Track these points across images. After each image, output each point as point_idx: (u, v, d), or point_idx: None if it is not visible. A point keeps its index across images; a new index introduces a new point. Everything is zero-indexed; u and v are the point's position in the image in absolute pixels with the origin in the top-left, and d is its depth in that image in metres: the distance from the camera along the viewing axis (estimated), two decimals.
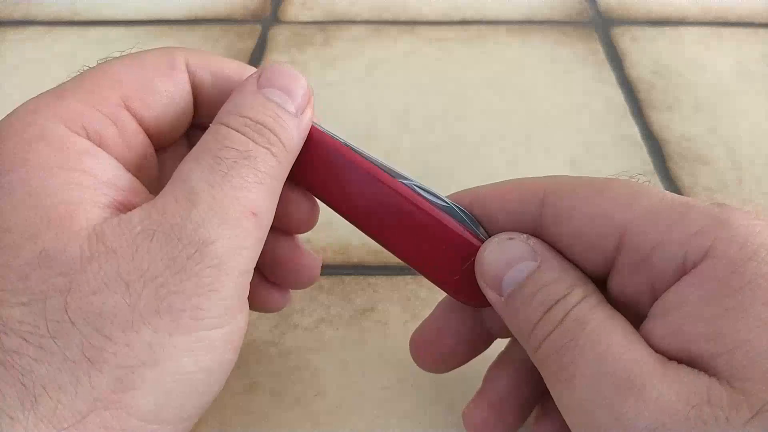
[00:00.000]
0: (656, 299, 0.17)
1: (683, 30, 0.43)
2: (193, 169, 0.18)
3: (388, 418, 0.23)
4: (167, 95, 0.20)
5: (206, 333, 0.17)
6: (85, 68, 0.20)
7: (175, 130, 0.21)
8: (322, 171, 0.20)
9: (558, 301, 0.18)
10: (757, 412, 0.15)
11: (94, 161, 0.18)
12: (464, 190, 0.21)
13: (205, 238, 0.17)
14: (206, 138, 0.19)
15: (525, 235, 0.19)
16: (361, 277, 0.28)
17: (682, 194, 0.32)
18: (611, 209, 0.18)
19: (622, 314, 0.19)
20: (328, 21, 0.45)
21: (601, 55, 0.41)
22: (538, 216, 0.19)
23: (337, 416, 0.24)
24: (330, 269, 0.29)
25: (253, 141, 0.19)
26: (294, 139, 0.19)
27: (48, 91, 0.19)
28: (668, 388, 0.15)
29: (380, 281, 0.28)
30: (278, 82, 0.20)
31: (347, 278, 0.28)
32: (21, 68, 0.41)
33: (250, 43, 0.43)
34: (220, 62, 0.21)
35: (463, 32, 0.43)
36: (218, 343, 0.17)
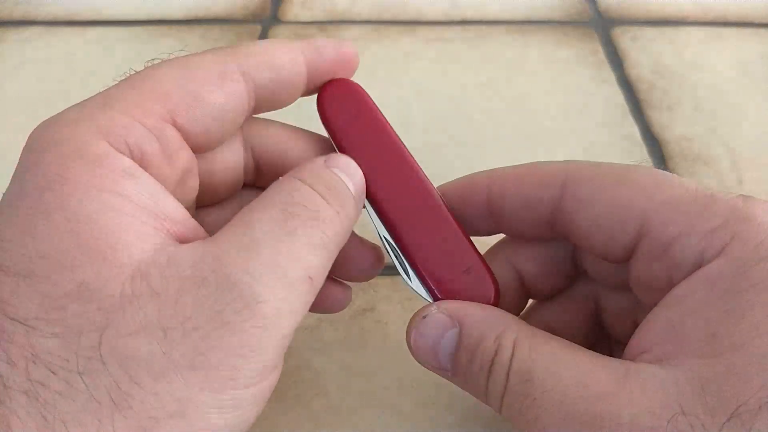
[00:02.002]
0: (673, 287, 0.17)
1: (683, 30, 0.43)
2: (261, 219, 0.17)
3: (388, 418, 0.23)
4: (216, 108, 0.19)
5: (238, 392, 0.16)
6: (132, 72, 0.19)
7: (222, 139, 0.20)
8: (364, 138, 0.21)
9: (493, 360, 0.17)
10: (731, 415, 0.14)
11: (134, 184, 0.17)
12: (480, 172, 0.21)
13: (258, 295, 0.16)
14: (278, 189, 0.18)
15: (434, 306, 0.19)
16: None
17: None
18: (634, 197, 0.18)
19: (642, 296, 0.18)
20: (328, 21, 0.45)
21: (601, 55, 0.41)
22: (557, 201, 0.19)
23: (338, 416, 0.24)
24: None
25: (326, 202, 0.18)
26: (353, 218, 0.19)
27: (92, 98, 0.18)
28: (638, 407, 0.15)
29: (380, 281, 0.28)
30: (344, 167, 0.19)
31: None
32: (21, 68, 0.41)
33: None
34: (273, 55, 0.20)
35: (463, 32, 0.43)
36: (248, 401, 0.16)
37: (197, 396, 0.15)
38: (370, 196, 0.20)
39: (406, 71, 0.40)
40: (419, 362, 0.20)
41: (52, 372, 0.15)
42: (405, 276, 0.20)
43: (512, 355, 0.17)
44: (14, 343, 0.15)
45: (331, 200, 0.18)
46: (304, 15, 0.45)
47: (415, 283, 0.20)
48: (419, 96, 0.39)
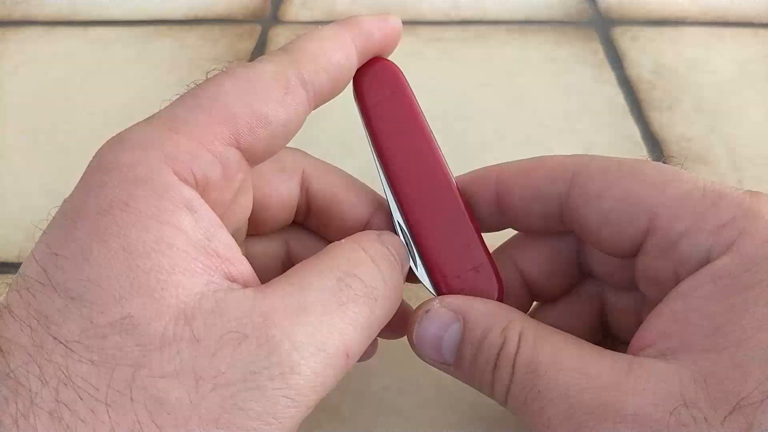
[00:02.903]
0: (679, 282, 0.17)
1: (683, 30, 0.43)
2: (315, 283, 0.17)
3: (387, 418, 0.23)
4: (279, 124, 0.18)
5: None
6: (193, 86, 0.19)
7: (280, 149, 0.20)
8: (395, 120, 0.21)
9: (499, 354, 0.18)
10: (733, 408, 0.14)
11: (191, 219, 0.16)
12: (489, 166, 0.21)
13: (295, 365, 0.16)
14: (338, 253, 0.18)
15: (437, 300, 0.19)
16: None
17: None
18: (642, 193, 0.18)
19: (648, 291, 0.18)
20: (328, 21, 0.44)
21: (601, 55, 0.41)
22: (565, 195, 0.19)
23: (338, 416, 0.24)
24: None
25: (383, 278, 0.18)
26: (400, 298, 0.19)
27: (158, 117, 0.18)
28: (642, 399, 0.15)
29: None
30: (394, 245, 0.20)
31: None
32: (21, 68, 0.41)
33: (250, 44, 0.43)
34: (329, 55, 0.20)
35: (463, 32, 0.43)
36: None
37: None
38: (391, 180, 0.20)
39: (406, 71, 0.40)
40: (420, 356, 0.20)
41: (80, 398, 0.15)
42: (413, 264, 0.20)
43: (518, 347, 0.17)
44: (50, 362, 0.15)
45: (387, 278, 0.18)
46: (304, 15, 0.45)
47: (422, 273, 0.20)
48: (419, 96, 0.38)
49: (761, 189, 0.32)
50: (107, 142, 0.18)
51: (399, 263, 0.19)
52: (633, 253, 0.19)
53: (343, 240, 0.19)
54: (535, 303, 0.23)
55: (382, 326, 0.18)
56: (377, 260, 0.18)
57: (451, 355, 0.19)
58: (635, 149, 0.35)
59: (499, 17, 0.45)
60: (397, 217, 0.20)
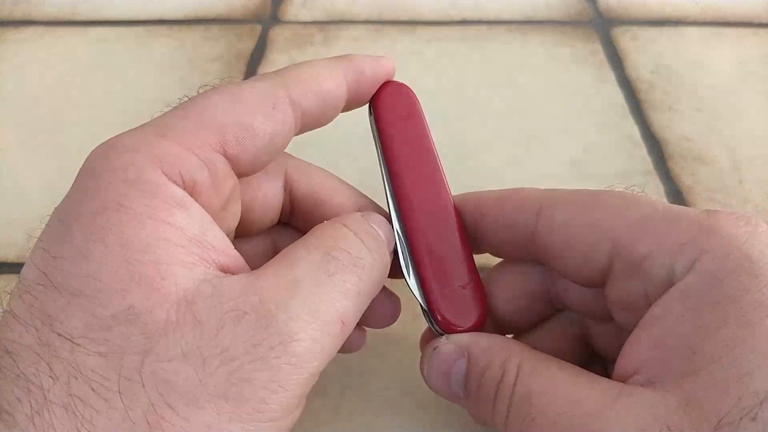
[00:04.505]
0: (650, 306, 0.18)
1: (683, 30, 0.43)
2: (303, 259, 0.18)
3: (388, 418, 0.23)
4: (266, 137, 0.19)
5: (263, 425, 0.16)
6: (185, 99, 0.19)
7: (267, 163, 0.21)
8: (406, 140, 0.22)
9: (498, 386, 0.18)
10: (714, 429, 0.15)
11: (185, 215, 0.17)
12: (469, 193, 0.22)
13: (293, 333, 0.16)
14: (322, 232, 0.19)
15: (444, 338, 0.20)
16: None
17: (681, 194, 0.32)
18: (602, 220, 0.19)
19: (622, 318, 0.19)
20: (328, 21, 0.45)
21: (601, 55, 0.41)
22: (533, 226, 0.20)
23: (338, 416, 0.24)
24: None
25: (367, 248, 0.19)
26: (387, 267, 0.20)
27: (148, 124, 0.19)
28: (628, 425, 0.16)
29: None
30: (378, 222, 0.21)
31: None
32: (21, 68, 0.41)
33: (250, 43, 0.43)
34: (319, 81, 0.21)
35: (463, 32, 0.43)
36: None
37: (225, 425, 0.16)
38: (395, 192, 0.21)
39: (406, 71, 0.40)
40: (433, 390, 0.20)
41: (92, 389, 0.15)
42: (406, 272, 0.21)
43: (516, 378, 0.18)
44: (59, 358, 0.15)
45: (373, 249, 0.19)
46: (304, 15, 0.45)
47: (413, 282, 0.21)
48: (418, 96, 0.39)
49: (761, 189, 0.32)
50: (97, 147, 0.18)
51: (383, 238, 0.20)
52: (602, 280, 0.19)
53: (325, 221, 0.20)
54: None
55: (373, 295, 0.19)
56: (360, 234, 0.19)
57: (460, 388, 0.20)
58: (635, 149, 0.35)
59: (499, 17, 0.45)
60: (397, 226, 0.21)
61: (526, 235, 0.20)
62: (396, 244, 0.21)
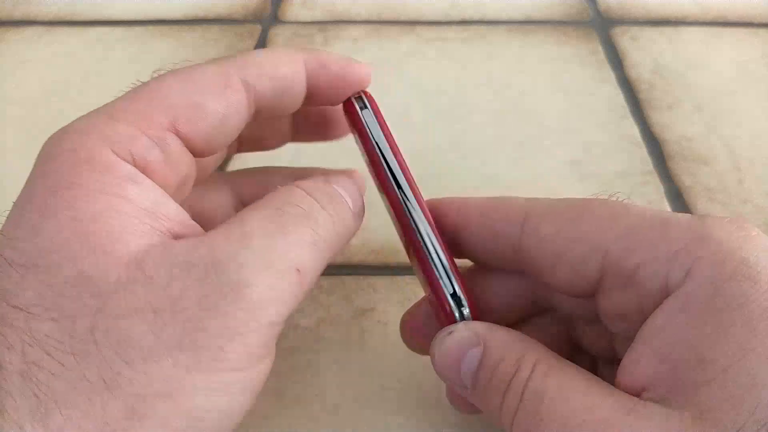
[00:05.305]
0: (645, 317, 0.17)
1: (683, 30, 0.43)
2: (254, 216, 0.18)
3: (388, 418, 0.23)
4: (218, 116, 0.19)
5: (225, 375, 0.16)
6: (138, 83, 0.20)
7: (223, 144, 0.21)
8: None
9: (511, 380, 0.18)
10: None
11: (136, 189, 0.18)
12: (454, 197, 0.21)
13: (245, 280, 0.16)
14: (274, 194, 0.19)
15: (462, 323, 0.19)
16: (361, 277, 0.28)
17: (681, 194, 0.32)
18: (591, 232, 0.18)
19: (614, 327, 0.19)
20: (328, 21, 0.45)
21: (601, 55, 0.41)
22: (517, 237, 0.20)
23: (337, 416, 0.24)
24: (330, 269, 0.29)
25: (319, 204, 0.19)
26: (350, 228, 0.20)
27: (99, 109, 0.19)
28: None
29: (380, 281, 0.28)
30: (344, 184, 0.21)
31: (347, 278, 0.28)
32: (21, 68, 0.41)
33: (250, 43, 0.43)
34: (275, 65, 0.21)
35: (463, 32, 0.43)
36: (236, 386, 0.17)
37: (184, 377, 0.16)
38: (410, 184, 0.21)
39: (406, 71, 0.40)
40: (439, 376, 0.20)
41: (47, 353, 0.15)
42: (435, 255, 0.20)
43: (530, 375, 0.18)
44: (13, 328, 0.15)
45: (326, 204, 0.19)
46: (304, 15, 0.45)
47: (442, 264, 0.20)
48: (419, 96, 0.39)
49: (761, 189, 0.32)
50: (51, 135, 0.19)
51: (345, 198, 0.20)
52: (592, 292, 0.19)
53: (279, 186, 0.20)
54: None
55: (334, 251, 0.19)
56: (311, 191, 0.19)
57: (469, 377, 0.19)
58: (635, 149, 0.35)
59: (499, 17, 0.45)
60: (418, 210, 0.21)
61: (511, 247, 0.20)
62: (427, 226, 0.20)
